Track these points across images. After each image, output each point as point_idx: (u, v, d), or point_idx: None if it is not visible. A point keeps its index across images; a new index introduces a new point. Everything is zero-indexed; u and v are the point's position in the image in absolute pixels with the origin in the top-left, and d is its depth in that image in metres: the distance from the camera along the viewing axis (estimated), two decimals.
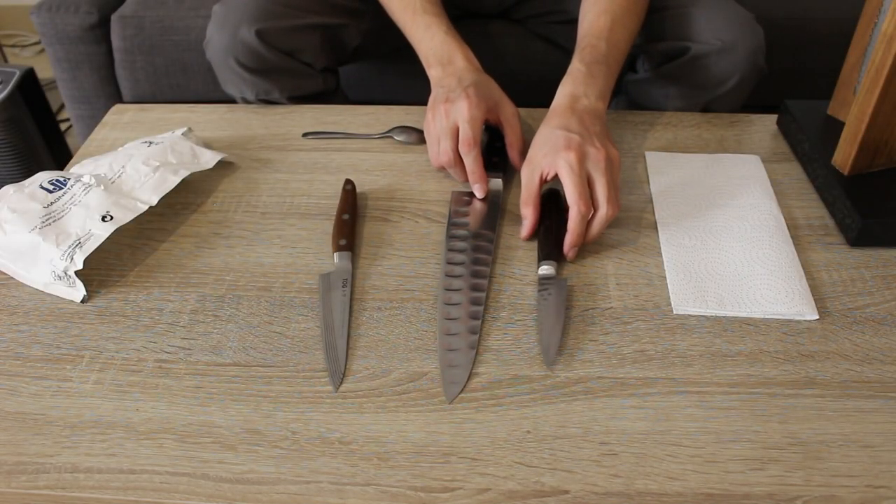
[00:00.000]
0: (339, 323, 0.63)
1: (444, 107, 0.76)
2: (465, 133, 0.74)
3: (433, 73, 0.83)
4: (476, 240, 0.71)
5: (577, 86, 0.76)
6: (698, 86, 0.92)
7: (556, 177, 0.70)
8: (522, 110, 0.92)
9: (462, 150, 0.75)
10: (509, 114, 0.80)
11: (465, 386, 0.58)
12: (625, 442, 0.54)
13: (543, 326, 0.63)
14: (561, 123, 0.72)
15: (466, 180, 0.77)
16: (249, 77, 0.92)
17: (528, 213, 0.71)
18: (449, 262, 0.69)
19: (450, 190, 0.79)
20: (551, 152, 0.69)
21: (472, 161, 0.75)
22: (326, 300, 0.65)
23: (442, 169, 0.79)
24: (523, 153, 0.76)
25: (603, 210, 0.68)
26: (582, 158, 0.68)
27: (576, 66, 0.78)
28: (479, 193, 0.76)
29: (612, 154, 0.70)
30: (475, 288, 0.66)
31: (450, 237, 0.72)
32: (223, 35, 0.91)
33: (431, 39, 0.84)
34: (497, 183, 0.78)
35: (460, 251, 0.70)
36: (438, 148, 0.77)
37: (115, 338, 0.63)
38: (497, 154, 0.81)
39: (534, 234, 0.72)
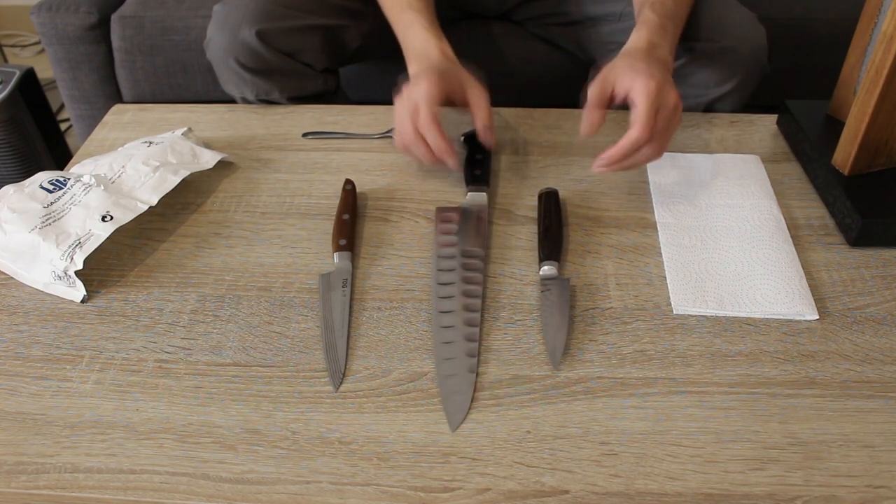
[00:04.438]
0: (339, 323, 0.63)
1: (407, 91, 0.75)
2: (424, 111, 0.73)
3: (411, 69, 0.82)
4: (466, 258, 0.69)
5: (653, 34, 0.76)
6: (701, 85, 0.92)
7: (613, 104, 0.71)
8: (522, 110, 0.92)
9: (421, 126, 0.73)
10: (476, 91, 0.78)
11: (467, 414, 0.56)
12: (625, 442, 0.54)
13: (548, 327, 0.62)
14: (643, 58, 0.71)
15: (433, 160, 0.75)
16: (250, 77, 0.92)
17: (595, 116, 0.71)
18: (440, 283, 0.67)
19: (450, 190, 0.79)
20: (632, 73, 0.69)
21: (433, 137, 0.73)
22: (326, 300, 0.65)
23: (408, 152, 0.77)
24: (492, 129, 0.77)
25: (651, 148, 0.69)
26: (660, 92, 0.68)
27: (649, 16, 0.77)
28: (451, 165, 0.75)
29: (681, 107, 0.70)
30: (469, 308, 0.64)
31: (438, 257, 0.70)
32: (224, 35, 0.91)
33: (414, 37, 0.83)
34: (482, 197, 0.77)
35: (450, 270, 0.68)
36: (401, 130, 0.76)
37: (115, 338, 0.63)
38: (479, 167, 0.80)
39: (537, 232, 0.72)
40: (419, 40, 0.83)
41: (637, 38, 0.76)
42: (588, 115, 0.71)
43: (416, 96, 0.74)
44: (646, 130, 0.67)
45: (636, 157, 0.70)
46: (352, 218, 0.73)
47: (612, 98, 0.71)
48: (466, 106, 0.79)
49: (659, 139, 0.70)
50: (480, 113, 0.77)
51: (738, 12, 0.91)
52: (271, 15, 0.90)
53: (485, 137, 0.78)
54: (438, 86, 0.74)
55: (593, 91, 0.71)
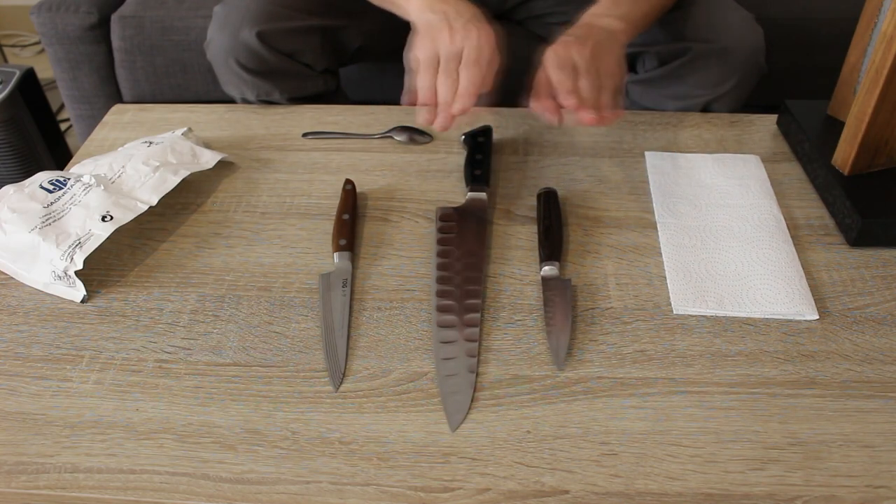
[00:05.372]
0: (339, 323, 0.63)
1: (449, 33, 0.70)
2: (480, 54, 0.69)
3: (421, 10, 0.75)
4: (466, 258, 0.69)
5: (598, 7, 0.77)
6: (699, 86, 0.92)
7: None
8: (522, 110, 0.92)
9: (472, 64, 0.68)
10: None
11: (467, 414, 0.56)
12: (625, 442, 0.54)
13: (551, 328, 0.62)
14: (567, 33, 0.73)
15: (444, 120, 0.70)
16: (250, 78, 0.92)
17: (545, 105, 0.71)
18: (440, 283, 0.67)
19: (450, 190, 0.79)
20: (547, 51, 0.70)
21: (475, 73, 0.69)
22: (326, 300, 0.65)
23: (414, 104, 0.71)
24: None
25: (582, 97, 0.69)
26: (565, 50, 0.70)
27: None
28: (482, 95, 0.70)
29: (606, 63, 0.71)
30: (469, 308, 0.64)
31: (438, 257, 0.70)
32: (224, 36, 0.91)
33: None
34: (482, 197, 0.77)
35: (450, 270, 0.68)
36: (429, 74, 0.70)
37: (115, 338, 0.63)
38: (479, 167, 0.80)
39: (537, 234, 0.72)
40: None
41: (582, 15, 0.78)
42: (539, 108, 0.72)
43: (468, 42, 0.69)
44: (561, 48, 0.69)
45: (580, 116, 0.69)
46: (352, 218, 0.73)
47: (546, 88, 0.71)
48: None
49: (585, 91, 0.69)
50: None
51: (735, 13, 0.91)
52: (271, 16, 0.90)
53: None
54: (494, 37, 0.71)
55: (535, 83, 0.72)
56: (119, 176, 0.74)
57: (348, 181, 0.78)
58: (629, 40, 0.78)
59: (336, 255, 0.70)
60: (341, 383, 0.59)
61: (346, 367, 0.60)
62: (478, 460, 0.53)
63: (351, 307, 0.65)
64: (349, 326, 0.63)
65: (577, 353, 0.61)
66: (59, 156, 1.39)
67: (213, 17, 0.93)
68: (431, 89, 0.70)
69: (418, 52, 0.71)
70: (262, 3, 0.91)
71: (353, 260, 0.70)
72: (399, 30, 0.88)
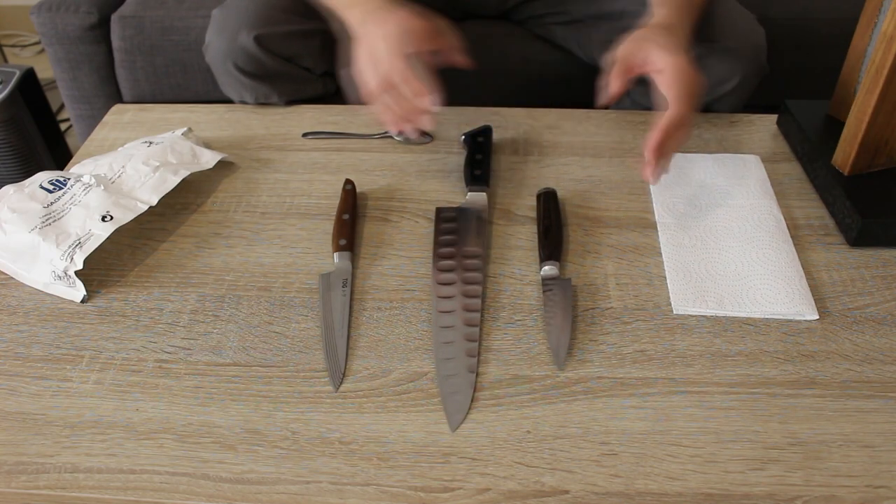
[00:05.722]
0: (339, 323, 0.63)
1: (373, 25, 0.68)
2: (407, 35, 0.66)
3: (354, 14, 0.73)
4: (465, 258, 0.69)
5: (673, 15, 0.76)
6: None
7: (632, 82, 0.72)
8: (522, 110, 0.92)
9: (392, 67, 0.67)
10: (440, 23, 0.72)
11: (467, 414, 0.56)
12: (625, 442, 0.54)
13: (552, 327, 0.62)
14: (669, 35, 0.71)
15: (407, 114, 0.70)
16: (249, 82, 0.92)
17: (616, 85, 0.71)
18: (440, 283, 0.67)
19: (450, 190, 0.79)
20: (663, 48, 0.68)
21: (404, 77, 0.67)
22: (326, 300, 0.65)
23: (376, 104, 0.70)
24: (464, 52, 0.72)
25: (685, 130, 0.68)
26: (692, 72, 0.68)
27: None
28: (429, 105, 0.68)
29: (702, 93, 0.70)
30: (469, 308, 0.64)
31: (438, 257, 0.70)
32: (222, 40, 0.91)
33: None
34: (482, 197, 0.77)
35: (450, 270, 0.68)
36: (374, 71, 0.68)
37: (115, 338, 0.63)
38: (479, 167, 0.80)
39: (538, 232, 0.72)
40: None
41: (660, 16, 0.75)
42: (611, 84, 0.71)
43: (392, 27, 0.67)
44: (685, 106, 0.67)
45: (674, 142, 0.69)
46: (352, 218, 0.73)
47: (633, 69, 0.71)
48: (433, 46, 0.72)
49: (690, 121, 0.69)
50: (452, 38, 0.72)
51: (737, 13, 0.91)
52: (269, 20, 0.89)
53: (461, 60, 0.73)
54: (412, 21, 0.68)
55: (621, 57, 0.71)
56: (119, 176, 0.74)
57: (348, 181, 0.78)
58: None
59: (336, 255, 0.70)
60: (341, 383, 0.59)
61: (346, 367, 0.60)
62: (478, 460, 0.53)
63: (351, 307, 0.65)
64: (349, 326, 0.63)
65: (577, 353, 0.61)
66: (59, 156, 1.39)
67: (211, 21, 0.93)
68: (387, 111, 0.71)
69: (362, 74, 0.71)
70: (260, 6, 0.91)
71: (353, 260, 0.70)
72: None
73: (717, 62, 0.89)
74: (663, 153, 0.70)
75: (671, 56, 0.68)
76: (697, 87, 0.69)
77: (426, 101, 0.69)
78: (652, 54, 0.70)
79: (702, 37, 0.89)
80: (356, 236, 0.73)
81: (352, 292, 0.67)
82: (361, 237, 0.73)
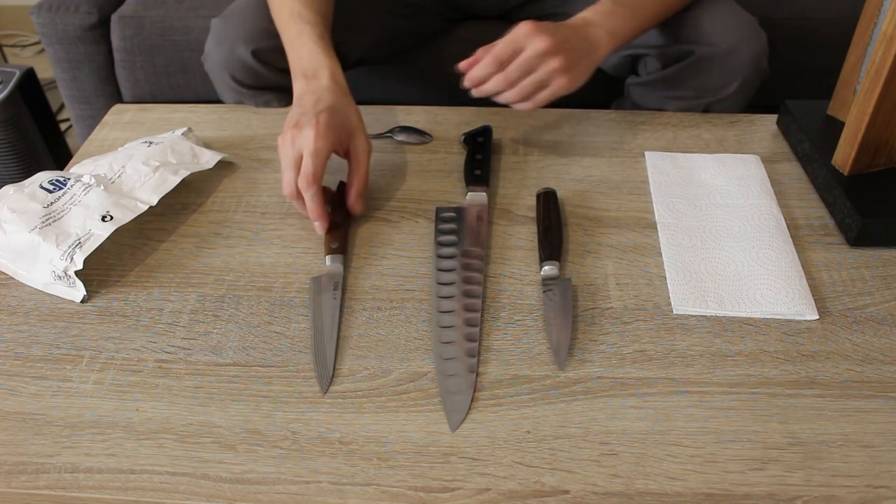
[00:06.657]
0: (329, 326, 0.63)
1: (292, 133, 0.70)
2: (306, 167, 0.68)
3: (296, 86, 0.77)
4: (465, 258, 0.69)
5: (594, 14, 0.79)
6: (701, 89, 0.91)
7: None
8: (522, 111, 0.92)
9: (301, 184, 0.69)
10: (360, 149, 0.74)
11: (467, 414, 0.56)
12: (625, 442, 0.54)
13: (552, 327, 0.62)
14: (557, 24, 0.75)
15: (311, 217, 0.71)
16: (247, 92, 0.92)
17: (478, 55, 0.75)
18: (440, 283, 0.67)
19: (450, 190, 0.79)
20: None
21: (310, 198, 0.69)
22: (317, 304, 0.65)
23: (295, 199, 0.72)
24: (364, 196, 0.73)
25: (497, 81, 0.73)
26: (527, 34, 0.73)
27: (602, 1, 0.81)
28: (318, 230, 0.71)
29: (554, 60, 0.73)
30: (469, 308, 0.64)
31: (438, 257, 0.70)
32: (220, 52, 0.91)
33: (301, 48, 0.79)
34: (482, 197, 0.77)
35: (450, 270, 0.68)
36: (284, 178, 0.71)
37: (115, 338, 0.63)
38: (479, 167, 0.79)
39: (537, 233, 0.72)
40: (306, 53, 0.78)
41: (585, 13, 0.79)
42: (466, 66, 0.75)
43: (301, 146, 0.69)
44: (487, 54, 0.72)
45: (486, 86, 0.74)
46: (344, 220, 0.73)
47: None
48: (347, 158, 0.75)
49: (509, 77, 0.73)
50: (357, 178, 0.73)
51: (738, 17, 0.91)
52: (267, 33, 0.88)
53: (353, 205, 0.74)
54: (327, 138, 0.69)
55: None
56: (119, 176, 0.74)
57: (342, 183, 0.77)
58: (608, 54, 0.80)
59: (328, 258, 0.69)
60: (329, 386, 0.58)
61: (334, 370, 0.59)
62: (478, 460, 0.53)
63: (342, 309, 0.65)
64: (339, 330, 0.63)
65: (577, 353, 0.61)
66: (59, 156, 1.39)
67: (210, 30, 0.93)
68: (293, 187, 0.71)
69: (280, 148, 0.71)
70: (258, 19, 0.90)
71: (346, 262, 0.70)
72: (397, 38, 0.88)
73: (718, 66, 0.89)
74: (480, 90, 0.75)
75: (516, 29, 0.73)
76: (532, 50, 0.73)
77: (316, 225, 0.71)
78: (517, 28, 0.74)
79: (703, 41, 0.89)
80: (352, 237, 0.73)
81: (343, 295, 0.66)
82: (360, 238, 0.73)
